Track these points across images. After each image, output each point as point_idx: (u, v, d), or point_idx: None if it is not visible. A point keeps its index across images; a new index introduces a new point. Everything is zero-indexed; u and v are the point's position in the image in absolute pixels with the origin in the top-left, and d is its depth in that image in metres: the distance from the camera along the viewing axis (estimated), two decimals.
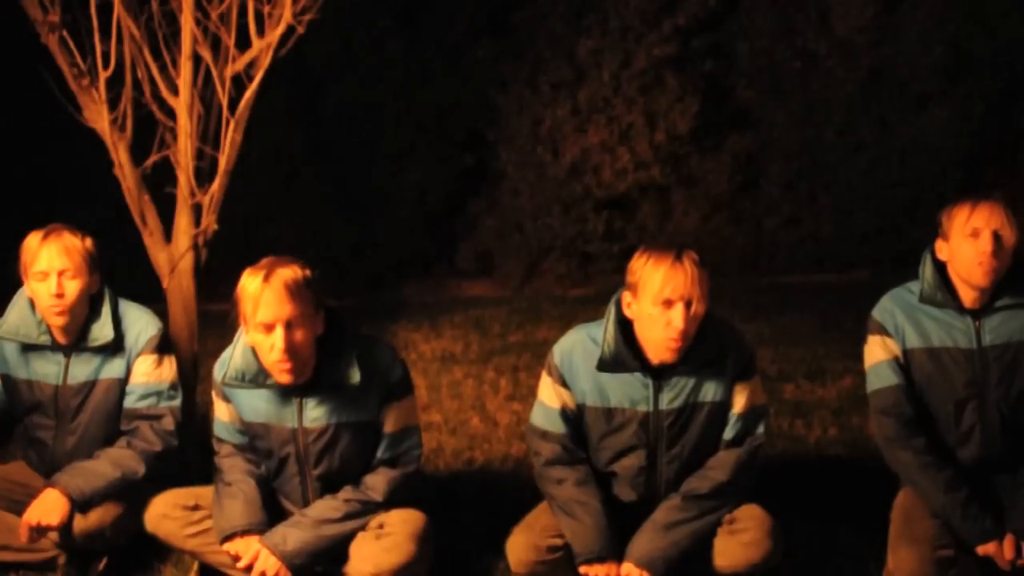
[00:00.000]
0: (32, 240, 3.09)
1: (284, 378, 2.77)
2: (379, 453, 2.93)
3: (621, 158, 7.58)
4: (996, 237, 2.80)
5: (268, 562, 2.79)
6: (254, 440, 2.98)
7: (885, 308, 2.99)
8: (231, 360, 2.87)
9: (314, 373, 2.84)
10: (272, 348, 2.72)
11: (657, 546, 2.79)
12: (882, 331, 2.96)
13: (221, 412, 3.01)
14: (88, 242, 3.12)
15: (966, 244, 2.83)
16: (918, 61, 7.58)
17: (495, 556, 3.21)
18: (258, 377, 2.84)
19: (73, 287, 3.06)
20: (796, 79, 7.76)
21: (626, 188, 7.68)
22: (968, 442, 2.94)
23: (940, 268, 2.93)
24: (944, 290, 2.91)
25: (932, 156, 7.72)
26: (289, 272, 2.72)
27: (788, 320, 6.41)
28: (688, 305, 2.72)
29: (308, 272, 2.76)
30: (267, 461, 2.99)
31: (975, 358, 2.90)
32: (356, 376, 2.81)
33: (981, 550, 2.79)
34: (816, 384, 5.02)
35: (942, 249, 2.91)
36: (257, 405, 2.91)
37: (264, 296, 2.68)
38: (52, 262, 3.05)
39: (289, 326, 2.70)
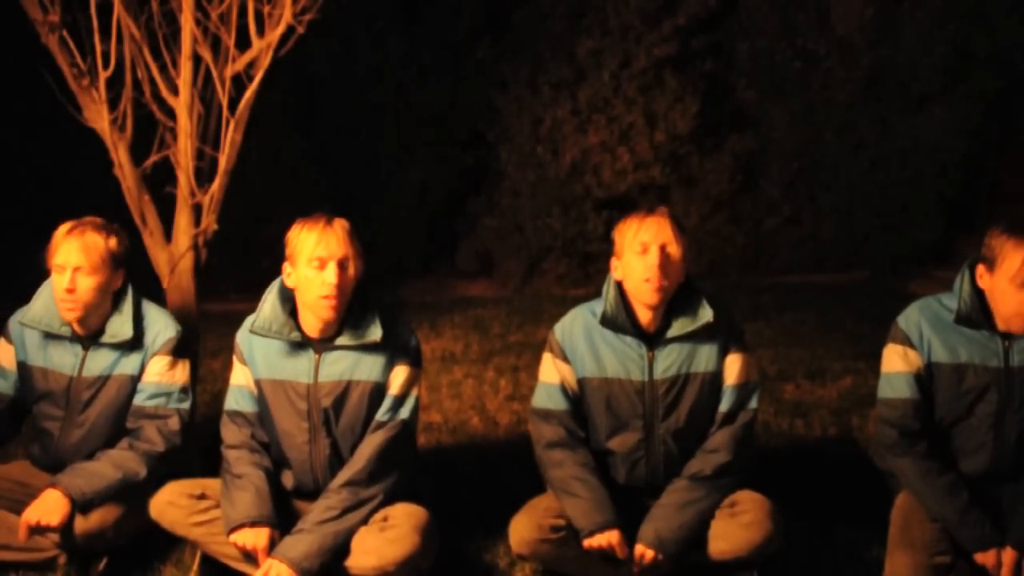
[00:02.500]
0: (60, 231, 3.15)
1: (327, 314, 2.91)
2: (378, 414, 2.99)
3: (621, 158, 7.58)
4: None
5: (280, 570, 2.80)
6: (266, 403, 3.02)
7: (912, 318, 2.95)
8: (260, 311, 3.01)
9: (338, 328, 2.97)
10: (324, 284, 2.87)
11: (668, 527, 2.85)
12: (906, 342, 2.94)
13: (239, 376, 3.08)
14: (112, 241, 3.16)
15: (1012, 288, 2.76)
16: (918, 61, 7.58)
17: (496, 555, 3.21)
18: (283, 329, 2.97)
19: (86, 284, 3.10)
20: (796, 79, 7.76)
21: (626, 188, 7.68)
22: (978, 455, 2.94)
23: (978, 292, 2.89)
24: (979, 311, 2.87)
25: (932, 156, 7.72)
26: (345, 221, 2.98)
27: (788, 320, 6.41)
28: (663, 248, 2.90)
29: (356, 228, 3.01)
30: (279, 423, 3.01)
31: (1001, 377, 2.89)
32: (378, 333, 2.95)
33: (980, 558, 2.79)
34: (816, 384, 5.02)
35: (983, 276, 2.85)
36: (277, 362, 3.00)
37: (325, 234, 2.91)
38: (68, 257, 3.10)
39: (342, 264, 2.90)
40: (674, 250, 2.92)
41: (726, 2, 7.67)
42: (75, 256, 3.09)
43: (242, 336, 3.07)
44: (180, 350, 3.23)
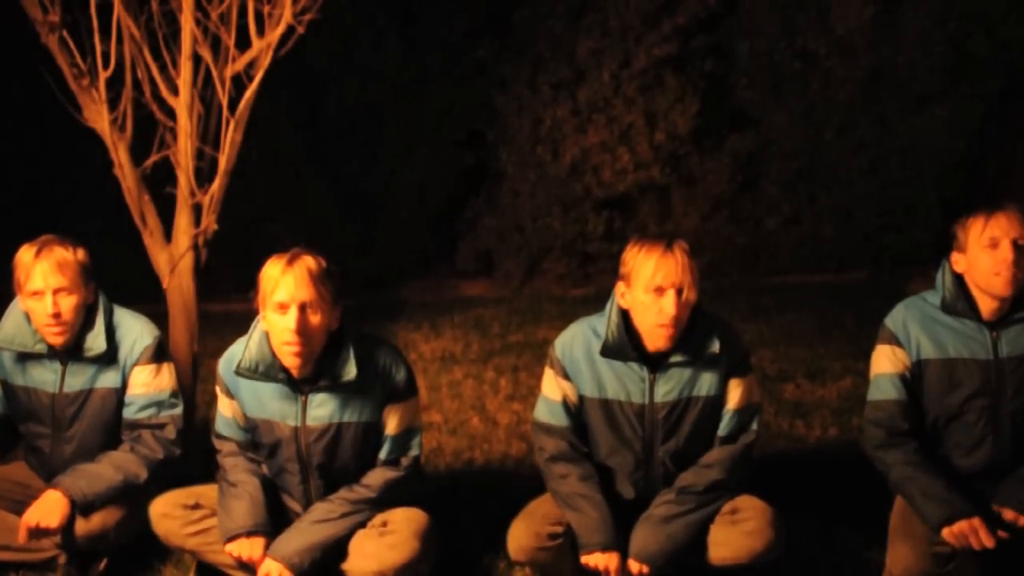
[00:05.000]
0: (25, 256, 3.01)
1: (292, 360, 2.79)
2: (381, 455, 2.96)
3: (621, 158, 7.58)
4: (1016, 246, 2.80)
5: (271, 567, 2.80)
6: (256, 437, 2.99)
7: (899, 317, 2.98)
8: (246, 350, 2.87)
9: (317, 368, 2.86)
10: (284, 329, 2.74)
11: (655, 539, 2.83)
12: (893, 341, 2.96)
13: (224, 408, 3.01)
14: (80, 254, 3.06)
15: (984, 254, 2.82)
16: (918, 61, 7.58)
17: (495, 556, 3.21)
18: (271, 370, 2.85)
19: (69, 304, 3.02)
20: (796, 79, 7.76)
21: (626, 188, 7.69)
22: (977, 451, 2.93)
23: (958, 279, 2.92)
24: (963, 300, 2.90)
25: (932, 156, 7.72)
26: (312, 260, 2.78)
27: (788, 320, 6.41)
28: (679, 292, 2.79)
29: (331, 264, 2.83)
30: (269, 460, 3.00)
31: (991, 369, 2.90)
32: (352, 372, 2.83)
33: (947, 532, 2.70)
34: (816, 384, 5.02)
35: (959, 261, 2.91)
36: (262, 400, 2.92)
37: (285, 277, 2.74)
38: (47, 280, 2.98)
39: (304, 309, 2.74)
40: (691, 294, 2.81)
41: (726, 2, 7.67)
42: (53, 278, 2.97)
43: (225, 371, 2.95)
44: (160, 354, 3.16)
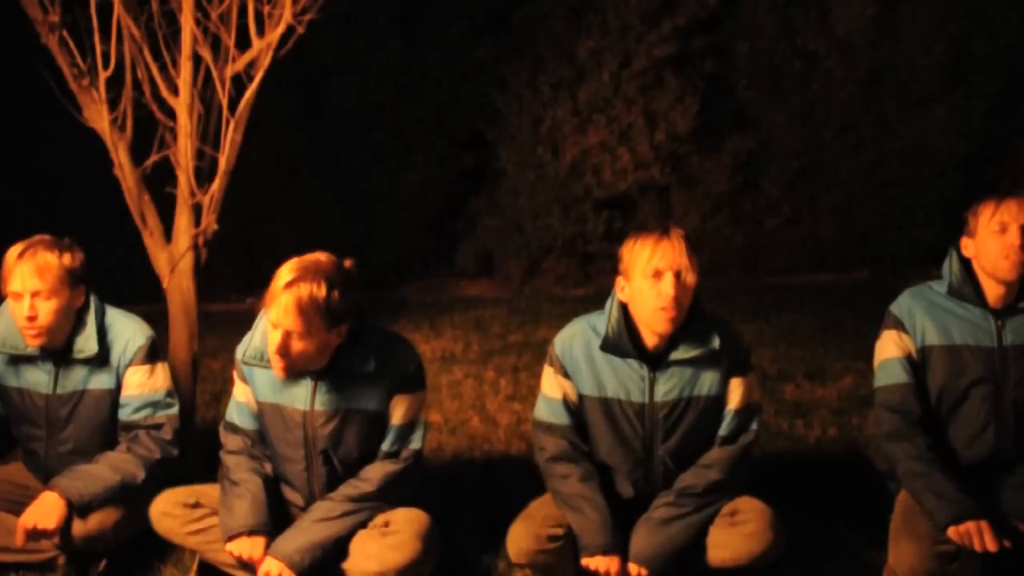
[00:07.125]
0: (9, 256, 2.99)
1: (278, 373, 2.82)
2: (384, 445, 2.96)
3: (621, 158, 7.59)
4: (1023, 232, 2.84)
5: (271, 566, 2.80)
6: (265, 424, 3.00)
7: (904, 303, 3.00)
8: (252, 339, 2.92)
9: (332, 360, 2.87)
10: (270, 344, 2.78)
11: (654, 542, 2.83)
12: (898, 326, 2.98)
13: (239, 393, 3.03)
14: (67, 258, 3.03)
15: (993, 239, 2.86)
16: (918, 61, 7.59)
17: (495, 556, 3.21)
18: None
19: (47, 308, 2.99)
20: (796, 79, 7.77)
21: (626, 188, 7.69)
22: (980, 439, 2.94)
23: (966, 264, 2.95)
24: (970, 285, 2.93)
25: (932, 156, 7.73)
26: (307, 289, 2.72)
27: (788, 320, 6.41)
28: (678, 275, 2.78)
29: (335, 293, 2.74)
30: (277, 446, 3.00)
31: (995, 356, 2.91)
32: (371, 365, 2.86)
33: (952, 531, 2.69)
34: (816, 384, 5.02)
35: (967, 246, 2.94)
36: (273, 385, 2.93)
37: (277, 300, 2.72)
38: (25, 283, 2.96)
39: (288, 335, 2.74)
40: (690, 277, 2.79)
41: (726, 2, 7.68)
42: (31, 281, 2.95)
43: (239, 355, 2.98)
44: (154, 354, 3.15)
